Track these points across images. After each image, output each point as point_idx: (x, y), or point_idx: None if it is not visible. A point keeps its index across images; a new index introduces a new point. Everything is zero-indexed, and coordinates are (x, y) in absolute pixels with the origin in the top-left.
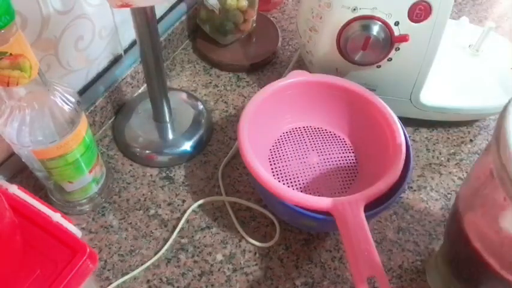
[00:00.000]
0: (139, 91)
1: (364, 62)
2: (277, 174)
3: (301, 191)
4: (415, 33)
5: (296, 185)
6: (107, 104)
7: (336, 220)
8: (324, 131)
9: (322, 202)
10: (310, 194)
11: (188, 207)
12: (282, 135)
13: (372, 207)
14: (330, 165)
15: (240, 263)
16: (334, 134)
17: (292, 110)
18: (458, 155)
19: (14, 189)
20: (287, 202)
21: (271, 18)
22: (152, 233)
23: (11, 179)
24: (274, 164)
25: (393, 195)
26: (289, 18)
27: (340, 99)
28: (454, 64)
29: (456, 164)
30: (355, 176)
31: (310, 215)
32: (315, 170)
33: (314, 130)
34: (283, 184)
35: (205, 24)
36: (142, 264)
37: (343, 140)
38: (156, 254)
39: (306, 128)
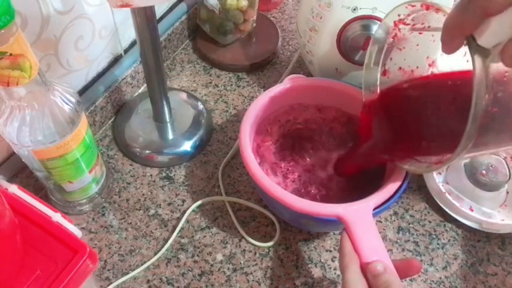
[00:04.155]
0: (140, 91)
1: (364, 62)
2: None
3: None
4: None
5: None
6: (107, 104)
7: (347, 226)
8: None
9: (334, 209)
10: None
11: (188, 207)
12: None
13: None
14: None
15: (240, 263)
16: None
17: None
18: None
19: (14, 189)
20: (299, 212)
21: (271, 18)
22: (152, 233)
23: (11, 179)
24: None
25: (393, 196)
26: (289, 18)
27: (338, 102)
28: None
29: None
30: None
31: (314, 217)
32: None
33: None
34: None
35: (205, 24)
36: (142, 264)
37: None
38: (156, 254)
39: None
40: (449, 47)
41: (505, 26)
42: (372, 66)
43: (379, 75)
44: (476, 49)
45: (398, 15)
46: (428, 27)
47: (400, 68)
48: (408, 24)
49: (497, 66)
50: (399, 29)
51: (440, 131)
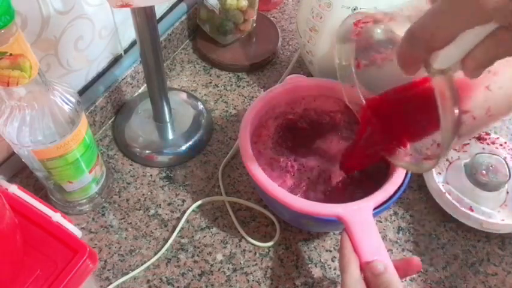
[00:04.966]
0: (140, 91)
1: None
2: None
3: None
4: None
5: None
6: (107, 104)
7: (347, 226)
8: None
9: (334, 209)
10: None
11: (188, 207)
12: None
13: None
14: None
15: (240, 263)
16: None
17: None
18: None
19: (14, 189)
20: (299, 212)
21: (271, 18)
22: (152, 233)
23: (11, 179)
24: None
25: (393, 195)
26: (289, 18)
27: (338, 102)
28: None
29: None
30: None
31: (314, 217)
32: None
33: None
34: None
35: (205, 24)
36: (142, 264)
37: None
38: (156, 254)
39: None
40: (407, 72)
41: (457, 52)
42: (343, 63)
43: (353, 69)
44: (434, 71)
45: (356, 18)
46: (390, 19)
47: (373, 55)
48: (368, 22)
49: (462, 73)
50: (361, 27)
51: (426, 125)
